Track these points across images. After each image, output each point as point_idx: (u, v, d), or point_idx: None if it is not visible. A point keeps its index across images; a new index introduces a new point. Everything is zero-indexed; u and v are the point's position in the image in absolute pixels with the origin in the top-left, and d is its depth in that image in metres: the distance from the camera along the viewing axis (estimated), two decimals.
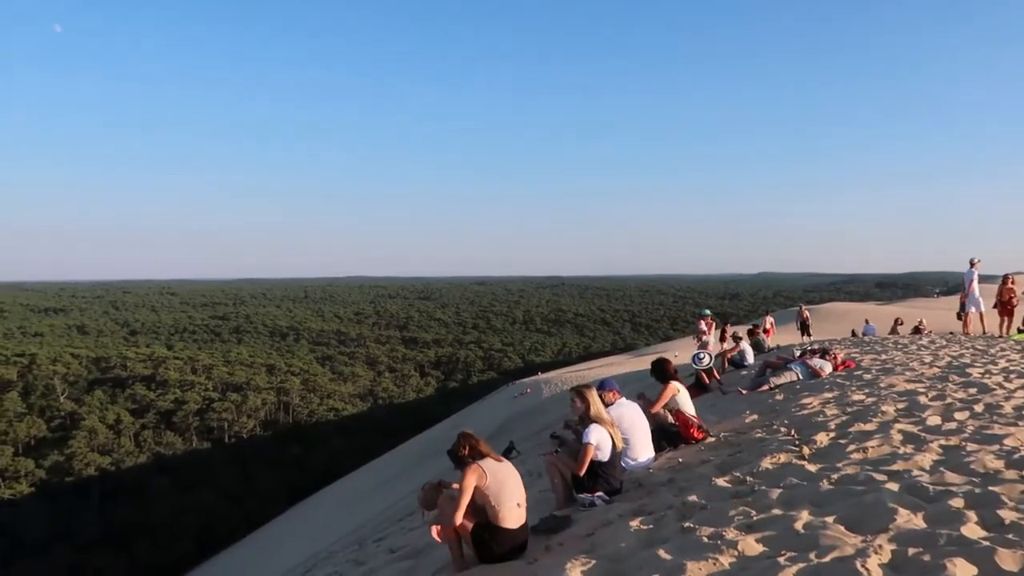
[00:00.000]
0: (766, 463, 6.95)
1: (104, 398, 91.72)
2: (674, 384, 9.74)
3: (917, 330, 27.01)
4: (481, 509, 5.71)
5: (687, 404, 9.71)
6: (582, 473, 6.89)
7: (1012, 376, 11.32)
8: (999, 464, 5.88)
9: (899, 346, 19.31)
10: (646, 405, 9.35)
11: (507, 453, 6.51)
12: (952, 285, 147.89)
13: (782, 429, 8.76)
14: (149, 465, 77.95)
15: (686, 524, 5.41)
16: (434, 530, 5.90)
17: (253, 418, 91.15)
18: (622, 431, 7.49)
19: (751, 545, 4.66)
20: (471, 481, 5.63)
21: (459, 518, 5.66)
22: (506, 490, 5.69)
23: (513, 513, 5.70)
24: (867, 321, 32.20)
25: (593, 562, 5.06)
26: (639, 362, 47.75)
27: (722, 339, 22.10)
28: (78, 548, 61.40)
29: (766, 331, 26.28)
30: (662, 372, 10.00)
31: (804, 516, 5.07)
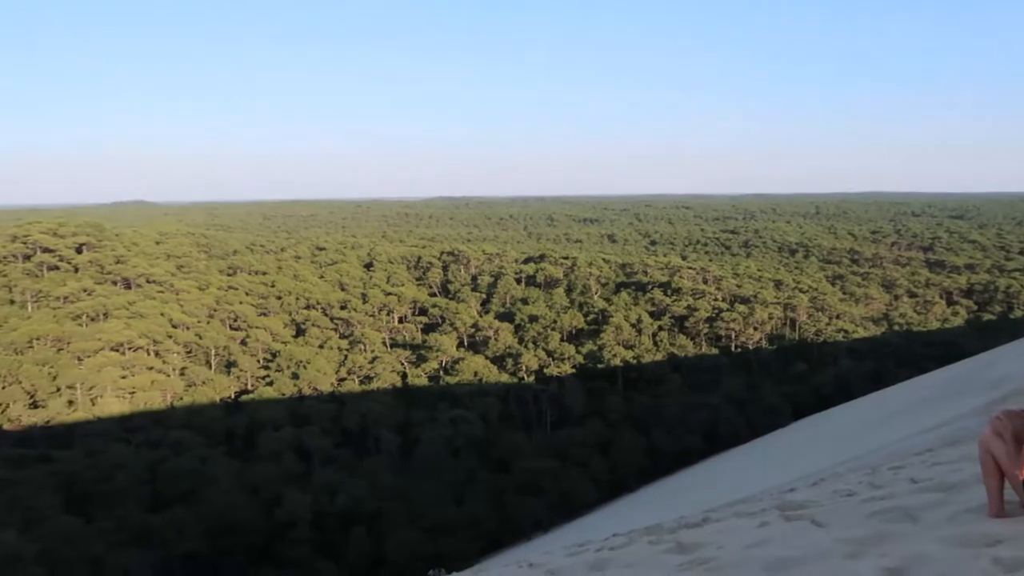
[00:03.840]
0: None
1: (628, 299, 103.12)
2: None
3: None
4: None
5: None
6: None
7: None
8: None
9: None
10: None
11: None
12: None
13: None
14: (664, 363, 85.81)
15: None
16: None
17: (759, 331, 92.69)
18: None
19: None
20: None
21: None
22: None
23: None
24: None
25: None
26: None
27: None
28: (607, 425, 71.72)
29: None
30: None
31: None
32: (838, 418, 46.75)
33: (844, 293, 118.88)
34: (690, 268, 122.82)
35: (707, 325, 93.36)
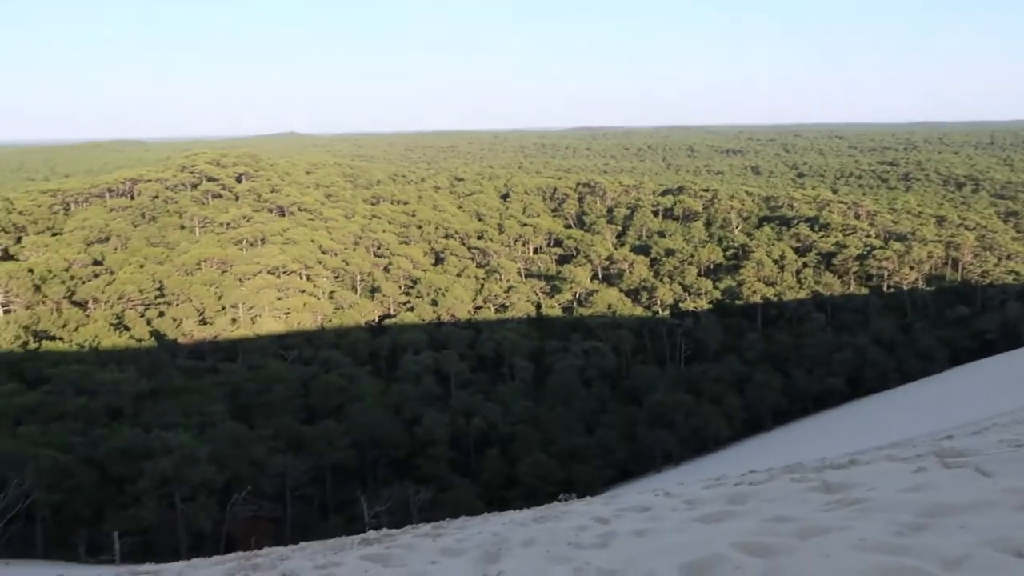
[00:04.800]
0: None
1: (771, 234, 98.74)
2: None
3: None
4: None
5: None
6: None
7: None
8: None
9: None
10: None
11: None
12: None
13: None
14: (807, 301, 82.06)
15: None
16: None
17: (916, 270, 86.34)
18: None
19: None
20: None
21: None
22: None
23: None
24: None
25: None
26: None
27: None
28: (744, 362, 70.02)
29: None
30: None
31: None
32: (1003, 365, 43.41)
33: (1018, 232, 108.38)
34: (841, 202, 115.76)
35: (857, 263, 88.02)
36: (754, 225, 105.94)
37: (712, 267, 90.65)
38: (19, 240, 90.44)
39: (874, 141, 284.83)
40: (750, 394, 63.18)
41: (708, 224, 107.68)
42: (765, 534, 4.55)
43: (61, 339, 67.48)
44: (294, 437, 52.23)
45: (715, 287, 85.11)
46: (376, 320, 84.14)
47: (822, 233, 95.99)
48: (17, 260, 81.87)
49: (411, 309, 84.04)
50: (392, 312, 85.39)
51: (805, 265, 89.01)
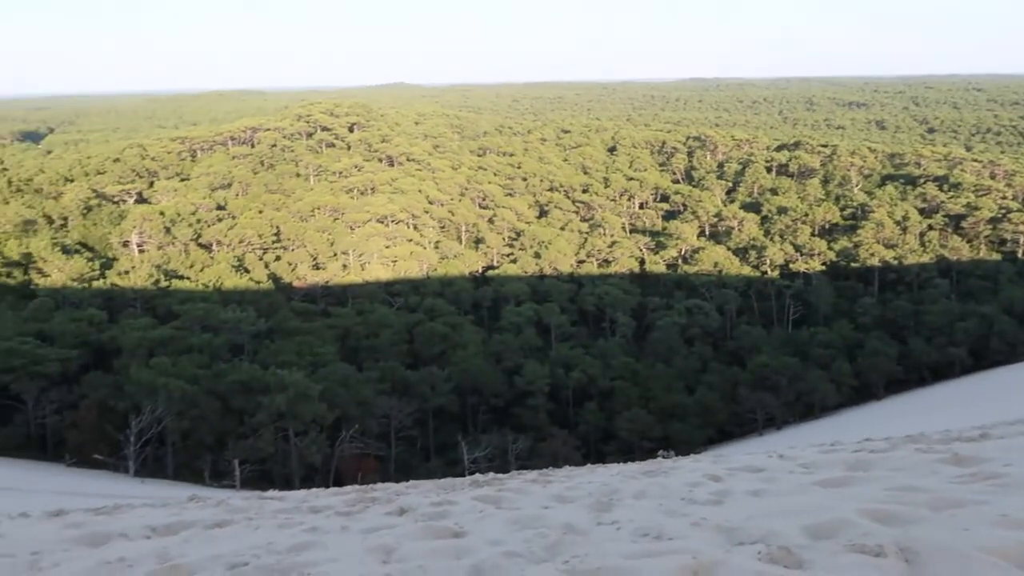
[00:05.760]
0: None
1: (895, 193, 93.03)
2: None
3: None
4: None
5: None
6: None
7: None
8: None
9: None
10: None
11: None
12: None
13: None
14: (930, 266, 77.39)
15: None
16: None
17: None
18: None
19: None
20: None
21: None
22: None
23: None
24: None
25: None
26: None
27: None
28: (856, 327, 67.10)
29: None
30: None
31: None
32: None
33: None
34: (975, 161, 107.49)
35: (990, 226, 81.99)
36: (876, 184, 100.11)
37: (827, 227, 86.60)
38: (151, 184, 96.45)
39: (1017, 94, 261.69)
40: (861, 361, 60.58)
41: (825, 182, 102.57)
42: (893, 502, 4.41)
43: (188, 278, 71.93)
44: (399, 380, 54.12)
45: (829, 248, 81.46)
46: (480, 271, 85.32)
47: (951, 193, 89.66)
48: (150, 203, 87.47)
49: (514, 261, 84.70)
50: (495, 263, 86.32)
51: (930, 227, 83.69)
